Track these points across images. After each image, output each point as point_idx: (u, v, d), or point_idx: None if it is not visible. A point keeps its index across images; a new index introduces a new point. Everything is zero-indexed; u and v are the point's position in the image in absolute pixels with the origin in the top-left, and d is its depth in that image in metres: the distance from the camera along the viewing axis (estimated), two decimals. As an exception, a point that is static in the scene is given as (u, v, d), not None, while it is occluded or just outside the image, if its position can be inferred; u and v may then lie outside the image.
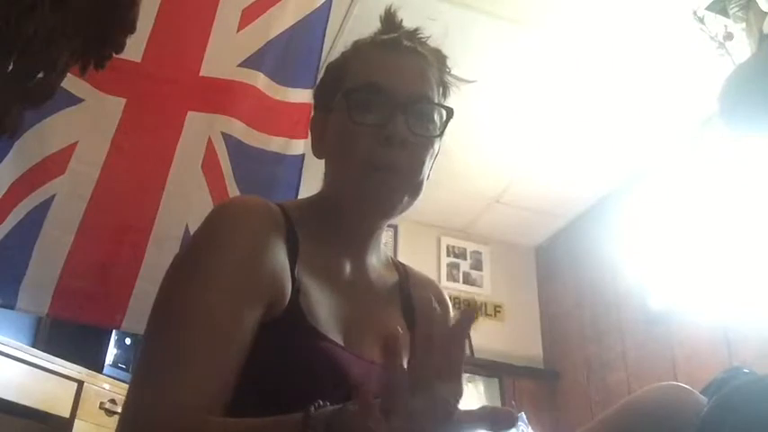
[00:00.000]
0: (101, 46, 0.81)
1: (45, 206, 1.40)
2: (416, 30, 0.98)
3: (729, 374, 0.91)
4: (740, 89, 2.02)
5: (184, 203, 1.47)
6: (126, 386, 1.00)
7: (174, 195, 1.47)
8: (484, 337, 3.84)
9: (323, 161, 0.98)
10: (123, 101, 1.48)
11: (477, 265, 4.12)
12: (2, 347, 2.18)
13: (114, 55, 0.84)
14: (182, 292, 0.80)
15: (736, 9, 2.20)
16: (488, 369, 3.73)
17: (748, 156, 2.74)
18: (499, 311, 4.02)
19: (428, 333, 0.59)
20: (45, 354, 2.34)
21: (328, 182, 0.97)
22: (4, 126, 0.76)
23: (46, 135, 1.41)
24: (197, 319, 0.77)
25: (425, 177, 0.93)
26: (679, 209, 3.12)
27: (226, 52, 1.56)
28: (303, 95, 1.59)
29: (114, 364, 2.63)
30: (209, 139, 1.52)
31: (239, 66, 1.56)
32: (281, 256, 0.85)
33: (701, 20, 2.32)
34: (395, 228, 3.93)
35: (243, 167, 1.53)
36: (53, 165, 1.41)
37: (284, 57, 1.61)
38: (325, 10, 1.68)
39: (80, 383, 2.42)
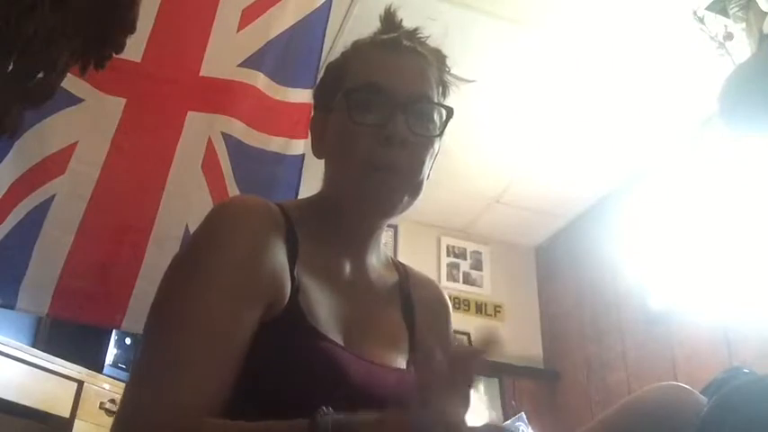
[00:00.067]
0: (101, 46, 0.81)
1: (45, 206, 1.40)
2: (416, 29, 0.98)
3: (729, 374, 0.91)
4: (740, 89, 2.02)
5: (184, 203, 1.47)
6: (126, 386, 1.00)
7: (174, 195, 1.47)
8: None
9: (323, 161, 0.98)
10: (123, 101, 1.48)
11: (477, 265, 4.12)
12: (2, 347, 2.18)
13: (114, 55, 0.84)
14: (181, 292, 0.80)
15: (736, 9, 2.20)
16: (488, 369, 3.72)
17: (748, 156, 2.74)
18: (499, 311, 4.02)
19: (453, 357, 0.60)
20: (45, 354, 2.34)
21: (328, 182, 0.97)
22: (4, 126, 0.76)
23: (46, 135, 1.41)
24: (196, 319, 0.76)
25: (425, 177, 0.93)
26: (679, 209, 3.12)
27: (226, 52, 1.56)
28: (303, 95, 1.59)
29: (114, 364, 2.63)
30: (209, 139, 1.52)
31: (239, 66, 1.56)
32: (280, 255, 0.85)
33: (701, 20, 2.32)
34: (395, 228, 3.93)
35: (243, 167, 1.53)
36: (53, 165, 1.41)
37: (284, 57, 1.61)
38: (325, 10, 1.68)
39: (80, 383, 2.42)
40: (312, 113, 1.05)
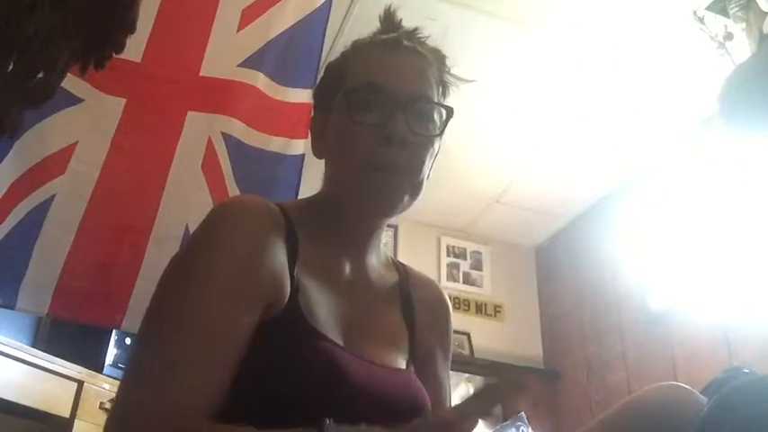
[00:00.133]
0: (101, 46, 0.81)
1: (45, 206, 1.39)
2: (416, 29, 0.98)
3: (729, 374, 0.90)
4: (740, 89, 2.02)
5: (184, 203, 1.47)
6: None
7: (174, 195, 1.47)
8: (484, 337, 3.84)
9: (323, 161, 0.98)
10: (123, 101, 1.47)
11: (477, 265, 4.12)
12: (2, 347, 2.18)
13: (114, 55, 0.84)
14: (180, 292, 0.79)
15: (736, 9, 2.20)
16: (488, 369, 3.72)
17: (748, 156, 2.74)
18: (499, 311, 4.02)
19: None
20: (45, 354, 2.34)
21: (328, 182, 0.97)
22: (4, 126, 0.76)
23: (46, 135, 1.41)
24: (196, 319, 0.76)
25: (425, 177, 0.93)
26: (679, 209, 3.12)
27: (226, 52, 1.56)
28: (303, 95, 1.59)
29: (114, 364, 2.63)
30: (209, 139, 1.52)
31: (239, 66, 1.56)
32: (280, 255, 0.85)
33: (701, 20, 2.32)
34: (395, 228, 3.93)
35: (243, 167, 1.53)
36: (53, 165, 1.41)
37: (284, 57, 1.61)
38: (325, 10, 1.68)
39: (80, 383, 2.42)
40: (312, 113, 1.05)
